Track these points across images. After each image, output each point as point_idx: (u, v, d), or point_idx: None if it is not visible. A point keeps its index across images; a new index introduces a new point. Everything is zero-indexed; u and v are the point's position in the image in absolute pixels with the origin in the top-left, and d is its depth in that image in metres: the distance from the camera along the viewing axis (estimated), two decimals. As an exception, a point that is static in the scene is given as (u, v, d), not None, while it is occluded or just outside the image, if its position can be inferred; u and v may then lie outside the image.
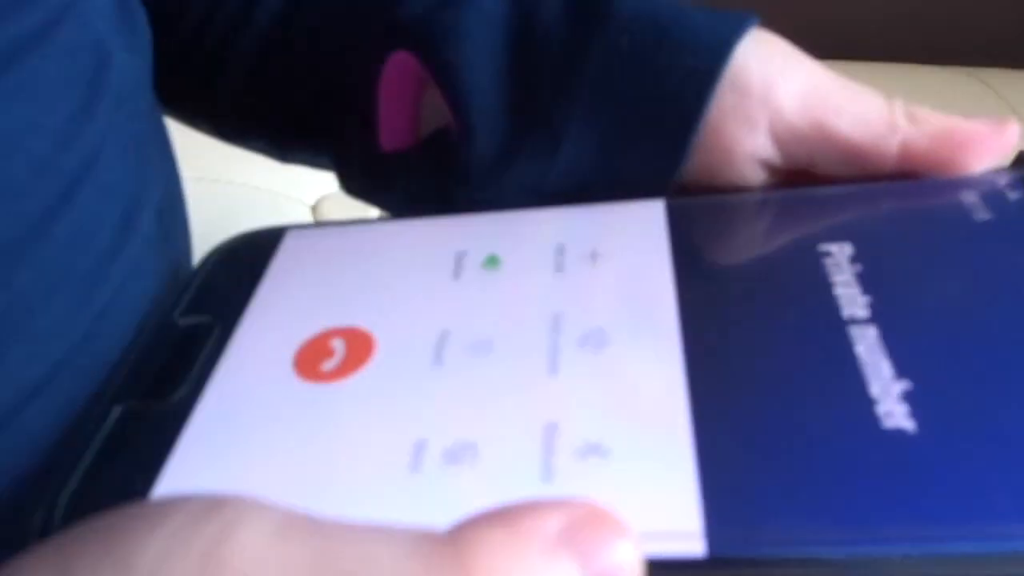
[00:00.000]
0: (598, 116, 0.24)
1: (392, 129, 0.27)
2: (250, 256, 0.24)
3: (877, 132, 0.22)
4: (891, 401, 0.16)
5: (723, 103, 0.23)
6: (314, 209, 0.67)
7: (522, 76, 0.25)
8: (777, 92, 0.22)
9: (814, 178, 0.23)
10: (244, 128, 0.33)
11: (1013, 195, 0.21)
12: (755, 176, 0.23)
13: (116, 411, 0.19)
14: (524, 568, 0.13)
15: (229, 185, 0.66)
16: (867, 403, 0.16)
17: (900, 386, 0.16)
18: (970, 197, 0.21)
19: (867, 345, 0.17)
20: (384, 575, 0.12)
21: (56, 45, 0.21)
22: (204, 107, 0.33)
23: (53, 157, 0.21)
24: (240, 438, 0.18)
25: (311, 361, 0.20)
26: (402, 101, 0.27)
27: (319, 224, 0.25)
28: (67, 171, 0.21)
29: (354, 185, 0.29)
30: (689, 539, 0.14)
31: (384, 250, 0.23)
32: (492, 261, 0.22)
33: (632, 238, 0.22)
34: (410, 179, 0.26)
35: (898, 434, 0.16)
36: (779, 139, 0.23)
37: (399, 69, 0.26)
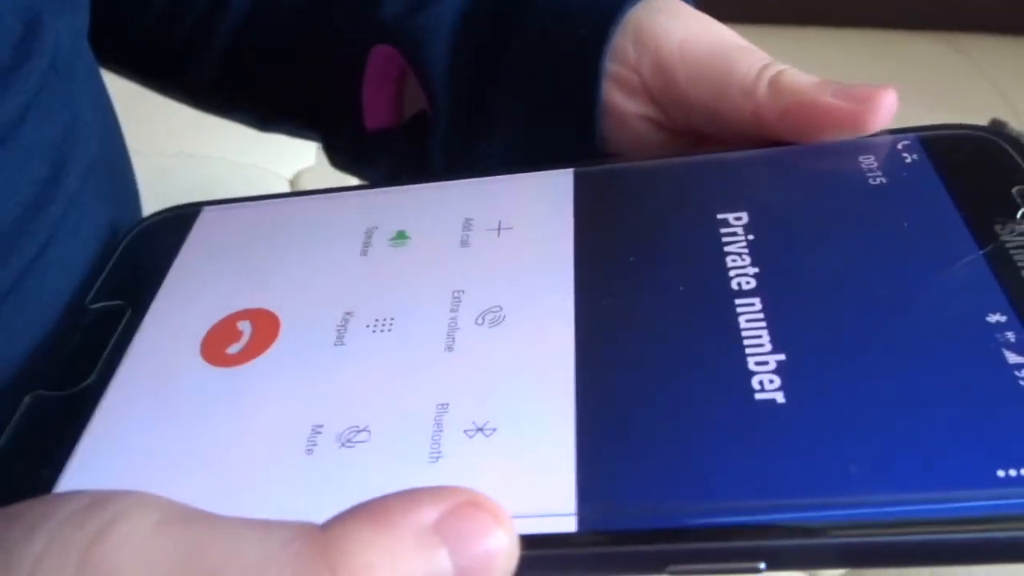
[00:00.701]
0: (519, 99, 0.26)
1: (375, 110, 0.28)
2: (165, 236, 0.24)
3: (732, 98, 0.22)
4: (766, 374, 0.17)
5: (609, 69, 0.23)
6: (292, 182, 0.67)
7: (471, 67, 0.26)
8: (651, 55, 0.23)
9: (712, 139, 0.23)
10: (225, 102, 0.33)
11: (910, 157, 0.21)
12: (653, 137, 0.24)
13: (26, 400, 0.20)
14: (394, 562, 0.13)
15: (207, 160, 0.65)
16: (744, 376, 0.17)
17: (775, 358, 0.17)
18: (868, 161, 0.21)
19: (749, 317, 0.18)
20: (251, 570, 0.13)
21: None
22: (181, 81, 0.34)
23: None
24: (146, 426, 0.19)
25: (217, 345, 0.20)
26: (384, 85, 0.28)
27: (235, 200, 0.25)
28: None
29: (339, 159, 0.31)
30: (562, 519, 0.15)
31: (297, 227, 0.23)
32: (400, 236, 0.22)
33: (539, 209, 0.22)
34: (392, 155, 0.28)
35: (769, 406, 0.16)
36: (656, 101, 0.23)
37: (383, 57, 0.28)
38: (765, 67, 0.22)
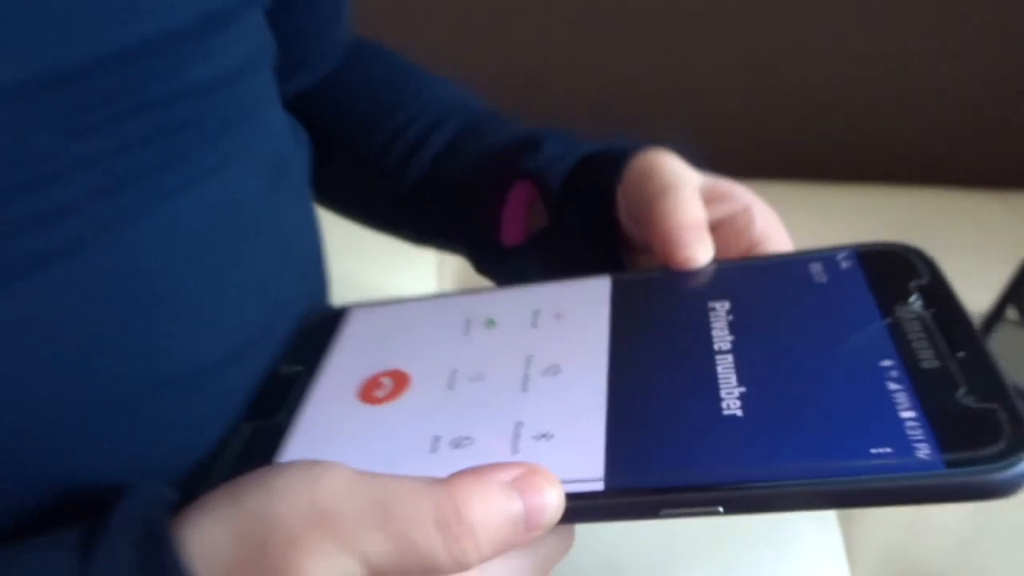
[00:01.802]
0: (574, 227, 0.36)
1: (510, 232, 0.39)
2: (327, 324, 0.34)
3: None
4: (732, 400, 0.25)
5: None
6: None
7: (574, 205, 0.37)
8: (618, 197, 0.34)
9: None
10: (397, 221, 0.45)
11: (845, 264, 0.30)
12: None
13: (247, 428, 0.30)
14: (486, 497, 0.22)
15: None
16: (717, 401, 0.26)
17: (739, 390, 0.26)
18: (816, 267, 0.30)
19: (724, 366, 0.27)
20: (411, 499, 0.22)
21: (256, 154, 0.32)
22: (364, 205, 0.45)
23: (258, 210, 0.32)
24: (325, 436, 0.28)
25: (369, 391, 0.30)
26: (518, 212, 0.39)
27: (374, 303, 0.35)
28: (261, 224, 0.32)
29: (482, 267, 0.42)
30: (594, 483, 0.24)
31: (418, 316, 0.33)
32: (491, 323, 0.32)
33: (586, 303, 0.32)
34: (521, 264, 0.39)
35: (732, 417, 0.25)
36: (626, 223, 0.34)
37: (519, 191, 0.38)
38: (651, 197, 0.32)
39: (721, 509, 0.23)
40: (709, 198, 0.32)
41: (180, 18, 0.27)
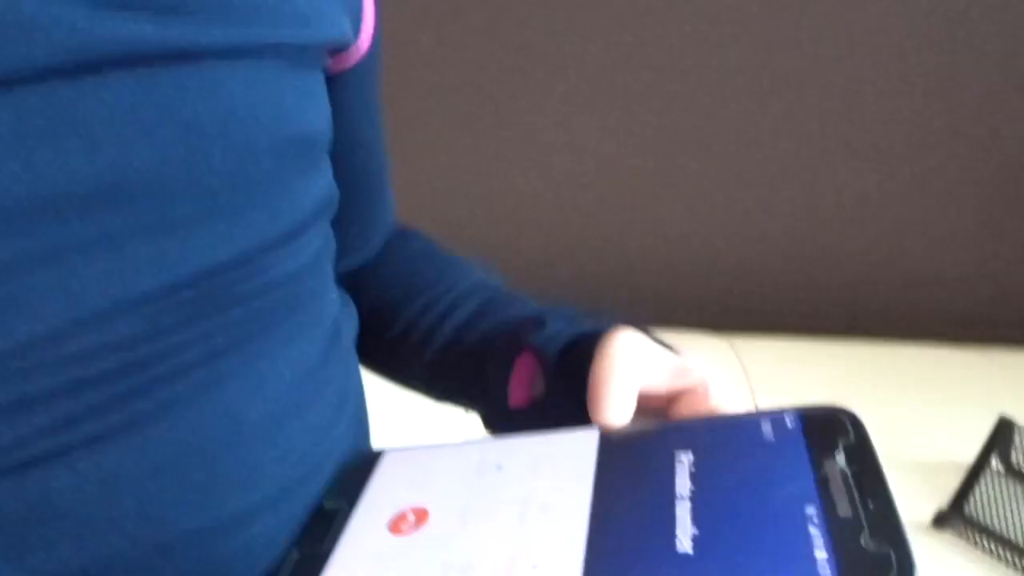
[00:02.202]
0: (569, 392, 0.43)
1: (516, 395, 0.46)
2: (365, 465, 0.41)
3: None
4: (686, 539, 0.32)
5: None
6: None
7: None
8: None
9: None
10: (423, 383, 0.53)
11: (791, 424, 0.37)
12: None
13: (294, 553, 0.36)
14: None
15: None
16: (673, 539, 0.32)
17: (692, 531, 0.32)
18: (766, 425, 0.37)
19: (683, 510, 0.33)
20: None
21: (317, 325, 0.40)
22: (397, 368, 0.54)
23: (317, 370, 0.39)
24: (362, 561, 0.35)
25: (397, 524, 0.36)
26: (523, 378, 0.47)
27: (404, 448, 0.42)
28: (319, 382, 0.40)
29: (490, 425, 0.48)
30: None
31: (440, 459, 0.40)
32: (499, 467, 0.39)
33: (576, 451, 0.38)
34: (524, 422, 0.46)
35: (683, 555, 0.31)
36: None
37: (524, 362, 0.46)
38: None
39: None
40: (674, 373, 0.39)
41: (274, 232, 0.35)
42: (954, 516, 0.91)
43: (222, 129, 0.33)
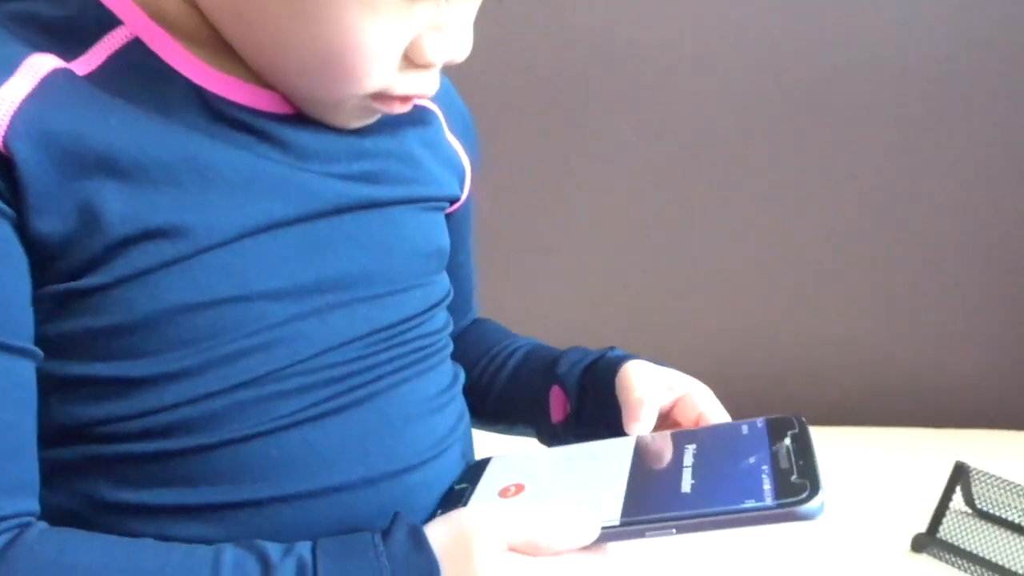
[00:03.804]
0: (597, 407, 0.64)
1: (555, 415, 0.68)
2: (481, 464, 0.62)
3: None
4: (688, 485, 0.52)
5: None
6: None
7: (584, 394, 0.67)
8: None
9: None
10: (491, 419, 0.74)
11: (760, 425, 0.57)
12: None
13: (439, 511, 0.57)
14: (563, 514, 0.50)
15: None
16: (679, 487, 0.52)
17: (691, 482, 0.52)
18: (744, 427, 0.57)
19: (687, 473, 0.53)
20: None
21: (445, 363, 0.64)
22: (475, 409, 0.76)
23: (444, 392, 0.62)
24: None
25: (504, 493, 0.57)
26: (558, 403, 0.68)
27: (506, 454, 0.63)
28: (445, 400, 0.62)
29: (543, 439, 0.71)
30: (614, 521, 0.50)
31: (528, 459, 0.61)
32: (570, 459, 0.59)
33: (619, 449, 0.59)
34: (564, 431, 0.69)
35: (684, 493, 0.51)
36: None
37: (556, 394, 0.69)
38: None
39: (674, 530, 0.49)
40: (670, 387, 0.61)
41: (424, 305, 0.60)
42: (929, 539, 1.09)
43: (399, 246, 0.58)
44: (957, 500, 1.11)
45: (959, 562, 1.06)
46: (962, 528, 1.09)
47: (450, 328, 0.65)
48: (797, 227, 1.50)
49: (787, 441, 0.54)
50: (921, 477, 1.21)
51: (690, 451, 0.56)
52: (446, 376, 0.62)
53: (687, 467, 0.54)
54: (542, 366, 0.71)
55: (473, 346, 0.76)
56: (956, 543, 1.07)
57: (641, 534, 0.50)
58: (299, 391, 0.52)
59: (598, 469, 0.57)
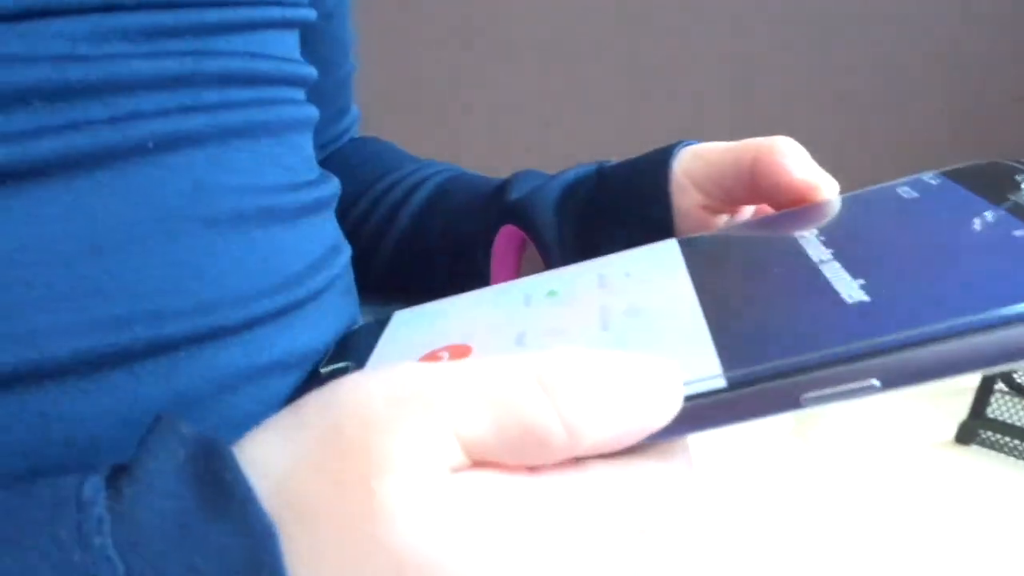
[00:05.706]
0: (617, 228, 0.36)
1: (501, 269, 0.39)
2: (371, 329, 0.31)
3: (736, 187, 0.32)
4: (853, 290, 0.23)
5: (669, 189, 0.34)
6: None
7: (574, 222, 0.37)
8: (687, 174, 0.33)
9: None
10: (389, 282, 0.45)
11: (933, 182, 0.28)
12: (706, 218, 0.34)
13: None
14: (598, 362, 0.20)
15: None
16: (836, 294, 0.23)
17: (858, 282, 0.23)
18: (903, 187, 0.28)
19: (832, 271, 0.24)
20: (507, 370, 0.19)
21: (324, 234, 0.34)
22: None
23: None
24: None
25: (429, 359, 0.26)
26: (507, 257, 0.39)
27: (420, 306, 0.32)
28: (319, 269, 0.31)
29: None
30: (713, 380, 0.20)
31: (472, 302, 0.30)
32: (552, 293, 0.29)
33: (655, 259, 0.29)
34: None
35: (859, 303, 0.22)
36: (701, 191, 0.33)
37: (506, 236, 0.38)
38: (753, 160, 0.31)
39: (876, 383, 0.19)
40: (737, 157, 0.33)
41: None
42: (975, 426, 0.87)
43: None
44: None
45: (1010, 443, 0.84)
46: (1008, 408, 0.87)
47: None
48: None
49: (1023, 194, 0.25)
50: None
51: (811, 240, 0.27)
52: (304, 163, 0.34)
53: (825, 262, 0.25)
54: (474, 199, 0.42)
55: (349, 178, 0.45)
56: (1006, 420, 0.86)
57: (794, 400, 0.20)
58: None
59: (625, 299, 0.27)
